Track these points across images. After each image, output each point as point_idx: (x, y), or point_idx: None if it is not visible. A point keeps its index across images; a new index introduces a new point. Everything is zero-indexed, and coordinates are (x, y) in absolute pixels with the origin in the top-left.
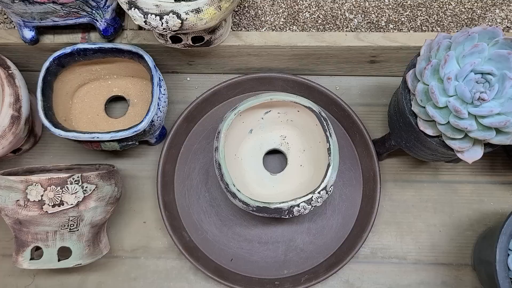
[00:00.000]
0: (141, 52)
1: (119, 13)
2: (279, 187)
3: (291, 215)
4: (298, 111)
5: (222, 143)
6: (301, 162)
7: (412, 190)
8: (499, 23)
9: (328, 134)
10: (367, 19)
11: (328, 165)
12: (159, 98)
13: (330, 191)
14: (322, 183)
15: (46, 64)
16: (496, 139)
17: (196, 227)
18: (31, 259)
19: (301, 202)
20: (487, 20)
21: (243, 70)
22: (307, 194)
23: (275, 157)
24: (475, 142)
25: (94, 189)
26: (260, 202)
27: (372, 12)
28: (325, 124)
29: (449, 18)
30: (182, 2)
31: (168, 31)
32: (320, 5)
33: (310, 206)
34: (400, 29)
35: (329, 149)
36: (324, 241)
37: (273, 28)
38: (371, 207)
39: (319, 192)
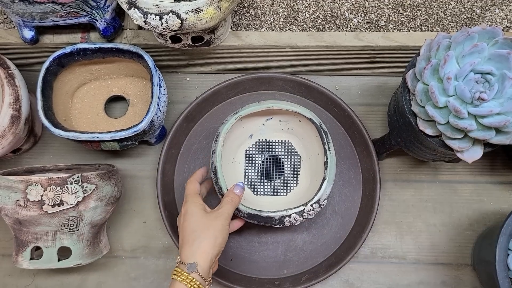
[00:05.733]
0: (141, 52)
1: (119, 13)
2: (273, 195)
3: (281, 225)
4: (300, 121)
5: (220, 146)
6: (298, 172)
7: (412, 190)
8: (499, 23)
9: (327, 148)
10: (366, 19)
11: (324, 179)
12: (159, 98)
13: (323, 204)
14: (316, 196)
15: (46, 64)
16: (495, 139)
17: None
18: (31, 259)
19: (293, 213)
20: (486, 20)
21: (242, 70)
22: (299, 206)
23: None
24: (475, 142)
25: (94, 189)
26: (252, 209)
27: (372, 12)
28: (324, 137)
29: (448, 18)
30: (182, 2)
31: (168, 31)
32: (320, 5)
33: (301, 218)
34: (400, 29)
35: (326, 163)
36: (324, 241)
37: (273, 28)
38: (371, 207)
39: (311, 205)
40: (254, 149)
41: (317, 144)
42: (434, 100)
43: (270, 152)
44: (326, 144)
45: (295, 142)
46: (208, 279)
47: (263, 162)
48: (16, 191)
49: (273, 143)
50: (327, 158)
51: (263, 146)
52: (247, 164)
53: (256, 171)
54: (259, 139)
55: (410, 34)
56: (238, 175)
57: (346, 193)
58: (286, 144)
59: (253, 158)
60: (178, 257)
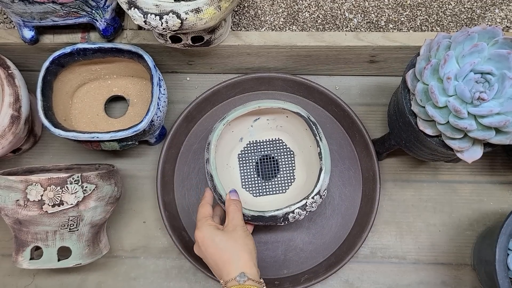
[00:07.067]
0: (141, 52)
1: (119, 13)
2: (273, 194)
3: (286, 222)
4: (287, 116)
5: (213, 154)
6: (294, 167)
7: (412, 190)
8: (499, 22)
9: (318, 139)
10: (366, 19)
11: (320, 169)
12: (158, 98)
13: (324, 195)
14: (315, 188)
15: (46, 64)
16: (495, 139)
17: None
18: (31, 259)
19: (296, 209)
20: (486, 20)
21: (242, 70)
22: (301, 200)
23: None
24: (475, 142)
25: (94, 189)
26: (255, 211)
27: (372, 12)
28: (314, 128)
29: (448, 17)
30: (182, 2)
31: (168, 31)
32: (319, 5)
33: (305, 212)
34: (400, 29)
35: (320, 153)
36: (324, 241)
37: (273, 28)
38: (371, 207)
39: (313, 197)
40: (246, 151)
41: (307, 137)
42: (434, 100)
43: (263, 152)
44: (317, 135)
45: (285, 139)
46: (262, 282)
47: (257, 163)
48: (16, 191)
49: (264, 143)
50: (320, 149)
51: (255, 147)
52: (241, 168)
53: (252, 173)
54: (249, 141)
55: (410, 34)
56: (235, 179)
57: (346, 193)
58: (277, 141)
59: (247, 161)
60: (221, 282)
